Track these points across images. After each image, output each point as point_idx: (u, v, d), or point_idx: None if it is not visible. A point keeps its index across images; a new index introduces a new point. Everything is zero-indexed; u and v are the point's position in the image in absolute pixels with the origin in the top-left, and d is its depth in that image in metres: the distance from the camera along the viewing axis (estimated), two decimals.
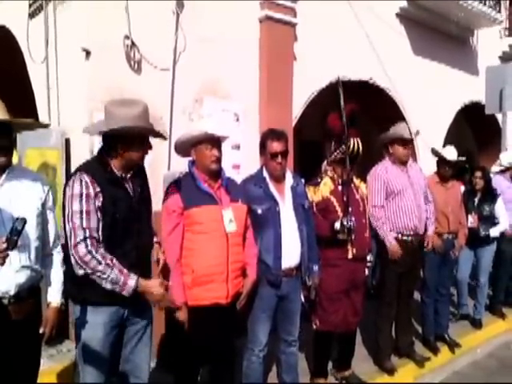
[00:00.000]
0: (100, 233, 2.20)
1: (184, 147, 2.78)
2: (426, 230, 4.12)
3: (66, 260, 2.34)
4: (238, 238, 2.76)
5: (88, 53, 3.75)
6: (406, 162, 3.98)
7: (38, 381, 2.40)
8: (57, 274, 2.37)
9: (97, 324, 2.26)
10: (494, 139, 7.56)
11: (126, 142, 2.25)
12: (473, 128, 8.87)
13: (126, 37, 3.89)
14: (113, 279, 2.14)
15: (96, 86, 3.76)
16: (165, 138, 2.52)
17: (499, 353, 4.86)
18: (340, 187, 3.43)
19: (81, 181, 2.19)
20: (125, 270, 2.17)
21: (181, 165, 3.05)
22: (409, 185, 3.90)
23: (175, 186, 2.71)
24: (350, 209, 3.30)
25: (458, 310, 5.41)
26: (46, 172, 3.96)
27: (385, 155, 4.02)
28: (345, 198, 3.39)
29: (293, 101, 5.15)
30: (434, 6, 6.64)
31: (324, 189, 3.42)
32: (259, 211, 2.96)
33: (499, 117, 7.11)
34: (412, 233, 3.89)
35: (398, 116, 6.53)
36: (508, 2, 8.53)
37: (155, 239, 2.56)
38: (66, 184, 2.27)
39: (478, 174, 5.17)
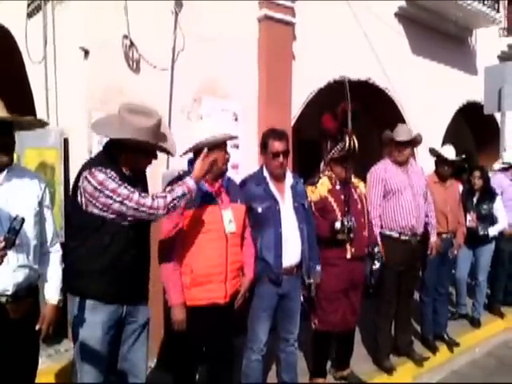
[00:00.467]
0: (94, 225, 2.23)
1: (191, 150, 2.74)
2: (426, 230, 4.14)
3: (65, 258, 2.35)
4: (236, 239, 2.76)
5: (87, 52, 3.75)
6: (405, 163, 3.99)
7: (37, 380, 2.40)
8: (55, 272, 2.37)
9: (95, 323, 2.26)
10: (493, 139, 7.56)
11: (133, 150, 2.29)
12: (471, 127, 8.88)
13: (125, 36, 3.89)
14: (182, 195, 2.27)
15: (95, 85, 3.76)
16: (172, 155, 2.53)
17: (498, 352, 4.86)
18: (338, 187, 3.44)
19: (100, 171, 2.20)
20: (180, 182, 2.32)
21: (180, 163, 3.05)
22: (408, 184, 3.91)
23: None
24: (348, 209, 3.31)
25: (456, 309, 5.42)
26: (44, 171, 3.96)
27: (385, 154, 4.03)
28: (342, 197, 3.41)
29: (292, 100, 5.15)
30: (433, 5, 6.65)
31: (321, 188, 3.43)
32: (259, 210, 2.97)
33: (498, 116, 7.12)
34: (410, 232, 3.90)
35: (396, 115, 6.54)
36: (507, 1, 8.53)
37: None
38: (80, 180, 2.24)
39: (477, 173, 5.18)
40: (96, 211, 2.20)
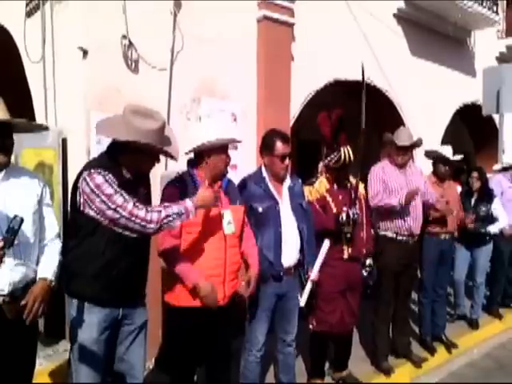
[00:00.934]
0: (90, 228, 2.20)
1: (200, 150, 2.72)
2: (422, 230, 4.15)
3: (64, 253, 2.33)
4: (235, 240, 2.76)
5: (85, 52, 3.74)
6: (403, 166, 3.99)
7: (34, 381, 2.39)
8: (53, 258, 2.32)
9: (91, 324, 2.25)
10: (491, 140, 7.57)
11: (137, 152, 2.27)
12: (470, 129, 8.90)
13: (124, 36, 3.89)
14: (178, 214, 2.23)
15: (93, 85, 3.76)
16: (175, 159, 2.48)
17: (496, 353, 4.87)
18: (336, 187, 3.46)
19: (99, 173, 2.16)
20: (179, 202, 2.29)
21: (178, 164, 3.04)
22: (405, 185, 3.91)
23: (174, 185, 2.69)
24: (352, 202, 3.33)
25: (454, 311, 5.42)
26: (42, 171, 3.95)
27: (384, 154, 4.03)
28: (340, 197, 3.43)
29: (290, 101, 5.15)
30: (432, 6, 6.66)
31: (320, 188, 3.43)
32: (260, 210, 2.97)
33: (496, 118, 7.13)
34: (407, 233, 3.91)
35: (395, 116, 6.55)
36: (505, 3, 8.55)
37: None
38: (80, 180, 2.21)
39: (475, 174, 5.19)
40: (92, 213, 2.18)
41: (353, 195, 3.45)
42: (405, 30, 6.76)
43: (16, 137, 2.27)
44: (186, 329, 2.67)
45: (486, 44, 8.07)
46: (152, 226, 2.17)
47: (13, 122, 2.17)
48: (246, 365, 3.12)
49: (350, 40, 5.81)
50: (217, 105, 4.54)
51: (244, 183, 3.09)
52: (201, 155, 2.69)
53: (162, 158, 4.00)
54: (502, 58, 8.40)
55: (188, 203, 2.28)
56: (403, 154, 3.94)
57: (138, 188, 2.34)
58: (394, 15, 6.60)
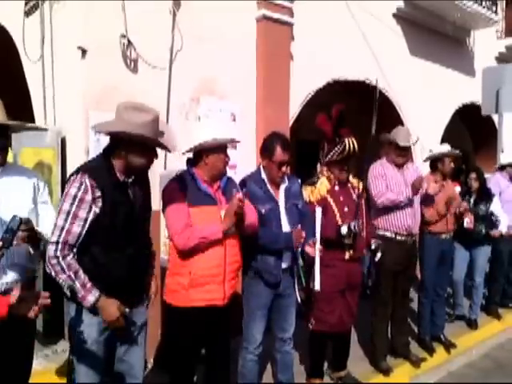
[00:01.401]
0: (80, 239, 2.16)
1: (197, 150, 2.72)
2: (421, 229, 4.14)
3: None
4: (234, 240, 2.75)
5: (84, 51, 3.74)
6: (402, 165, 4.00)
7: (34, 381, 2.39)
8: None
9: (91, 324, 2.24)
10: (491, 140, 7.57)
11: (128, 146, 2.22)
12: (469, 129, 8.90)
13: (123, 35, 3.88)
14: (75, 291, 2.13)
15: (92, 85, 3.75)
16: (169, 151, 2.44)
17: (494, 353, 4.87)
18: (336, 187, 3.44)
19: (81, 183, 2.14)
20: (88, 285, 2.14)
21: (177, 164, 3.04)
22: (403, 184, 3.92)
23: (176, 183, 2.69)
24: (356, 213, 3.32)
25: (453, 311, 5.42)
26: (41, 171, 3.94)
27: (382, 154, 4.03)
28: (341, 198, 3.42)
29: (290, 100, 5.14)
30: (431, 6, 6.65)
31: (321, 188, 3.42)
32: (262, 211, 2.96)
33: (495, 118, 7.13)
34: (406, 232, 3.91)
35: (394, 116, 6.54)
36: (504, 2, 8.55)
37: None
38: (67, 181, 2.23)
39: (473, 175, 5.19)
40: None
41: (355, 207, 3.42)
42: (404, 30, 6.75)
43: (15, 136, 2.28)
44: (186, 329, 2.67)
45: (485, 44, 8.07)
46: (49, 269, 2.14)
47: (9, 125, 2.15)
48: (244, 364, 3.12)
49: (349, 40, 5.80)
50: (216, 104, 4.54)
51: (244, 183, 3.08)
52: (199, 155, 2.69)
53: (161, 158, 4.03)
54: (502, 58, 8.40)
55: (90, 298, 2.15)
56: (403, 155, 3.95)
57: (134, 189, 2.31)
58: (394, 15, 6.60)
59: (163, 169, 4.01)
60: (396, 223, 3.89)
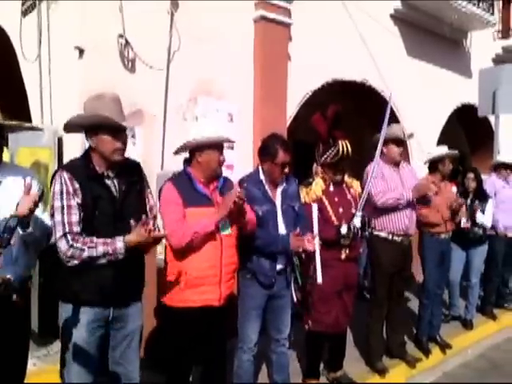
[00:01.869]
0: (81, 225, 2.22)
1: (185, 149, 2.75)
2: (420, 230, 4.14)
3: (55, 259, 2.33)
4: (231, 240, 2.75)
5: (81, 51, 3.74)
6: (399, 162, 4.02)
7: (28, 381, 2.38)
8: None
9: (81, 324, 2.25)
10: (487, 141, 7.60)
11: (95, 134, 2.27)
12: (466, 130, 8.92)
13: (120, 35, 3.88)
14: (104, 254, 2.19)
15: (89, 84, 3.73)
16: (124, 129, 2.34)
17: (490, 354, 4.88)
18: (331, 188, 3.46)
19: (60, 178, 2.23)
20: (108, 240, 2.20)
21: (174, 164, 3.04)
22: (400, 185, 3.93)
23: (172, 183, 2.68)
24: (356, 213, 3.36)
25: (449, 311, 5.43)
26: (38, 171, 3.94)
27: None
28: (336, 199, 3.42)
29: (287, 101, 5.15)
30: (428, 7, 6.68)
31: (316, 189, 3.43)
32: (260, 213, 2.96)
33: (492, 119, 7.15)
34: (403, 233, 3.92)
35: (391, 117, 6.54)
36: (501, 4, 8.58)
37: None
38: (51, 183, 2.30)
39: (471, 175, 5.21)
40: None
41: (353, 207, 3.45)
42: (401, 31, 6.77)
43: (12, 136, 2.28)
44: (182, 329, 2.67)
45: (482, 45, 8.09)
46: (70, 264, 2.19)
47: (5, 125, 2.15)
48: (240, 364, 3.11)
49: (346, 40, 5.81)
50: (213, 105, 4.54)
51: (242, 184, 3.07)
52: (193, 154, 2.70)
53: (158, 158, 4.03)
54: (498, 60, 8.42)
55: (118, 244, 2.21)
56: (400, 151, 3.96)
57: (118, 183, 2.32)
58: (391, 16, 6.62)
59: (160, 169, 4.01)
60: (393, 223, 3.90)
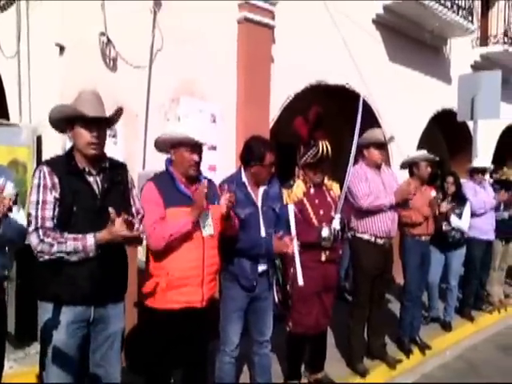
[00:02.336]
0: (55, 221, 2.20)
1: (164, 146, 2.75)
2: (401, 232, 4.18)
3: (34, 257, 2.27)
4: (213, 241, 2.73)
5: (62, 48, 3.68)
6: (380, 166, 4.05)
7: (5, 381, 2.32)
8: None
9: (62, 325, 2.20)
10: (465, 146, 7.74)
11: (71, 128, 2.29)
12: (445, 135, 9.07)
13: (102, 33, 3.83)
14: (74, 250, 2.15)
15: (69, 82, 3.68)
16: (98, 120, 2.31)
17: (468, 355, 4.96)
18: (312, 190, 3.47)
19: (39, 171, 2.23)
20: (79, 235, 2.17)
21: (156, 164, 3.01)
22: (382, 188, 3.96)
23: (153, 183, 2.66)
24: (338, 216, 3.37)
25: (428, 313, 5.50)
26: (15, 169, 3.86)
27: (359, 159, 4.05)
28: (317, 201, 3.43)
29: (270, 103, 5.16)
30: (410, 14, 6.77)
31: (297, 191, 3.44)
32: (242, 216, 2.94)
33: (470, 124, 7.29)
34: (385, 235, 3.95)
35: (372, 121, 6.62)
36: (480, 12, 8.76)
37: None
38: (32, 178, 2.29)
39: (450, 179, 5.29)
40: None
41: (333, 210, 3.46)
42: (383, 36, 6.86)
43: None
44: (164, 331, 2.64)
45: (461, 52, 8.26)
46: (43, 256, 2.16)
47: None
48: (221, 366, 3.09)
49: (329, 44, 5.86)
50: (196, 105, 4.52)
51: (224, 186, 3.05)
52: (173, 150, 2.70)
53: (140, 157, 3.98)
54: (477, 66, 8.60)
55: (89, 240, 2.17)
56: (381, 154, 4.00)
57: (101, 180, 2.32)
58: (373, 21, 6.69)
59: (142, 169, 3.97)
60: (376, 226, 3.92)
